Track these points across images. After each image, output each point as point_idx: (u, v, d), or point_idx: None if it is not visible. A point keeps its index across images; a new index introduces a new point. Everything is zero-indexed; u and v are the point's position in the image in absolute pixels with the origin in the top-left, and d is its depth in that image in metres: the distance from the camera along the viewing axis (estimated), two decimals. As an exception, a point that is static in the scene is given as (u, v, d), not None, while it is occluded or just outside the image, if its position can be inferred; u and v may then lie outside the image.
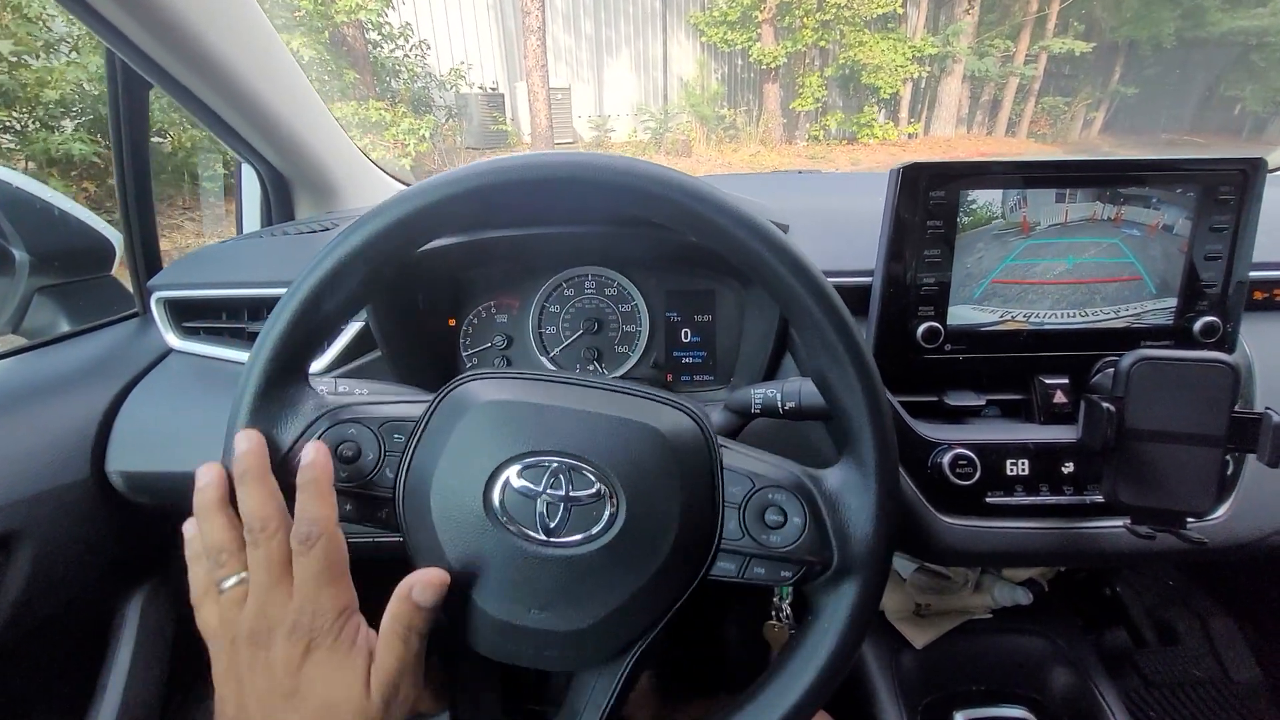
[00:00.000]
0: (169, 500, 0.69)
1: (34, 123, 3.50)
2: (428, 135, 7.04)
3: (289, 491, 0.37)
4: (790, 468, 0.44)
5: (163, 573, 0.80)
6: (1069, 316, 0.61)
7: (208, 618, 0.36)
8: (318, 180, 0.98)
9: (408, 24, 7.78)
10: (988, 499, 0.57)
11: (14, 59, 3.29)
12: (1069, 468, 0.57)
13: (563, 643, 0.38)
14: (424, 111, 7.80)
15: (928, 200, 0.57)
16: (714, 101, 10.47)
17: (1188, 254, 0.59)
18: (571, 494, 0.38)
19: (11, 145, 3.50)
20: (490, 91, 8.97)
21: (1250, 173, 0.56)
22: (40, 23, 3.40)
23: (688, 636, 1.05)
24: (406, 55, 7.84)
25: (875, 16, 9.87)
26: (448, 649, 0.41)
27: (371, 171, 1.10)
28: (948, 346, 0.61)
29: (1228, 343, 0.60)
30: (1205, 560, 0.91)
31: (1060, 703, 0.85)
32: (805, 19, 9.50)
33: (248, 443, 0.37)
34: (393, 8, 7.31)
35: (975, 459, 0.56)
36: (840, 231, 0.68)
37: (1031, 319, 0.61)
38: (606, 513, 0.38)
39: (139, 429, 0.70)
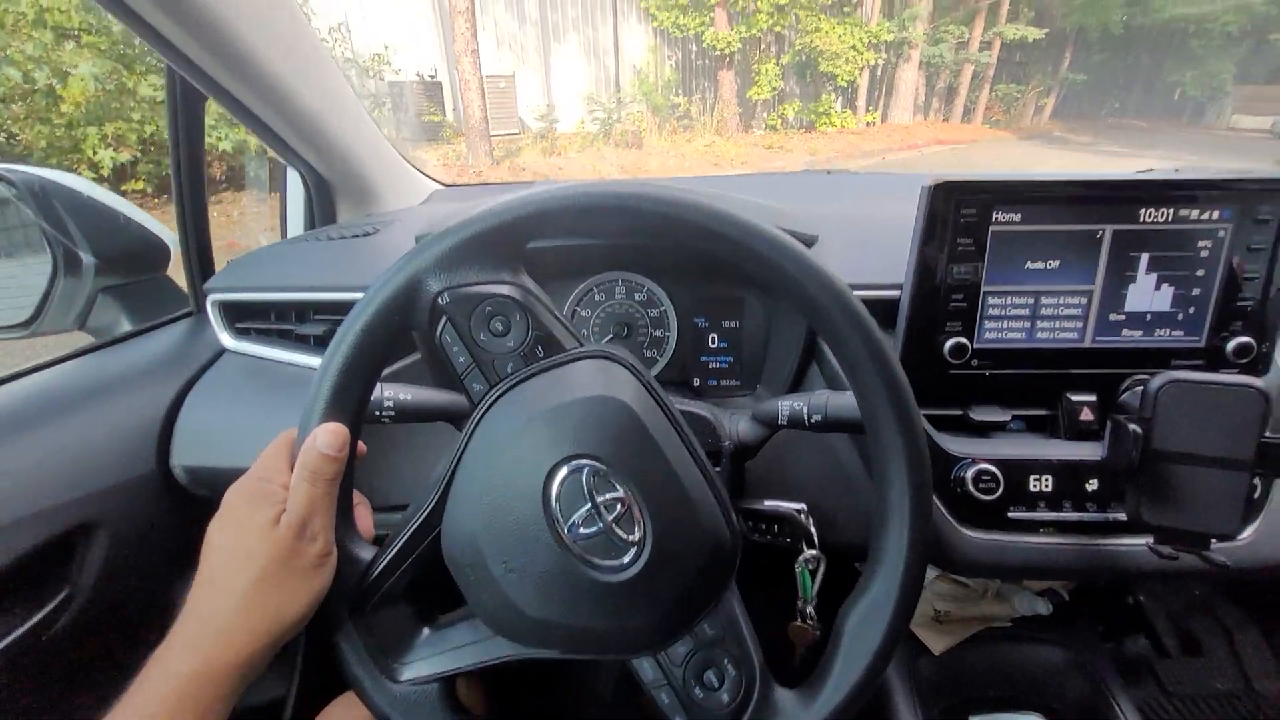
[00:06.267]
0: None
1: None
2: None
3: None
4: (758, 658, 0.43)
5: None
6: (1099, 334, 0.60)
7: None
8: (358, 184, 1.03)
9: None
10: (1010, 514, 0.58)
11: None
12: (1093, 485, 0.58)
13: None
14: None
15: (958, 217, 0.57)
16: (667, 90, 10.03)
17: (1223, 273, 0.58)
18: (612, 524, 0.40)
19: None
20: (429, 79, 8.30)
21: None
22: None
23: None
24: (324, 39, 7.12)
25: (831, 1, 9.61)
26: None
27: (408, 171, 1.15)
28: (975, 363, 0.61)
29: (1262, 364, 0.60)
30: (1232, 577, 0.93)
31: (1075, 712, 0.86)
32: (759, 2, 9.15)
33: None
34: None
35: (998, 474, 0.57)
36: (869, 241, 0.70)
37: (1060, 336, 0.60)
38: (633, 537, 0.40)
39: (200, 426, 0.75)
